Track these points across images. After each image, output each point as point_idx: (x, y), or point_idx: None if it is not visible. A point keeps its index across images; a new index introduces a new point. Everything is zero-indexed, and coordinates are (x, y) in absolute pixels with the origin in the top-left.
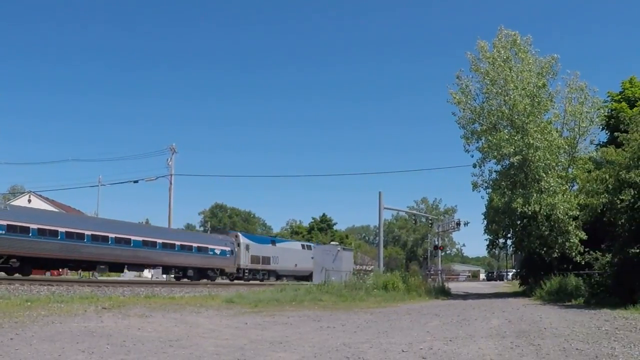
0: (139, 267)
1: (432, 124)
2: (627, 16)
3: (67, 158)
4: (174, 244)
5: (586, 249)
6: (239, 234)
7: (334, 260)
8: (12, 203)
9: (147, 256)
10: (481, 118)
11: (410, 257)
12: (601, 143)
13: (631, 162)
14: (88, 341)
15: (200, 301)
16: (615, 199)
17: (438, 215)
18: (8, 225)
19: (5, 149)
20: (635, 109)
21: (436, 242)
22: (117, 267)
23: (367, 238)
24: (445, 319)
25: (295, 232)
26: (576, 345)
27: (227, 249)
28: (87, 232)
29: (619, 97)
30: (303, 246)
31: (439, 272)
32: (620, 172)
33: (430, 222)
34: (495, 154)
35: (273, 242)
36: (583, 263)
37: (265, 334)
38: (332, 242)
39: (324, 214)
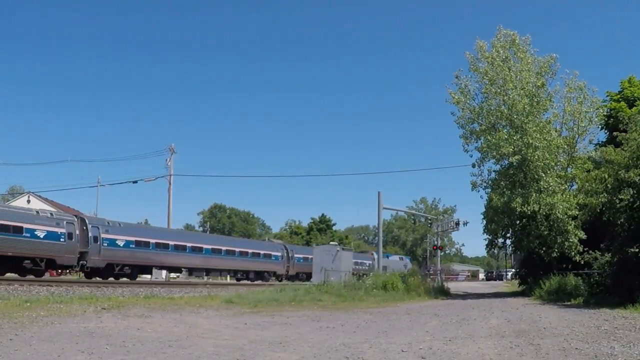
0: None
1: (431, 123)
2: (626, 15)
3: (65, 158)
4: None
5: (585, 249)
6: (373, 252)
7: (333, 260)
8: (12, 203)
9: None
10: (480, 118)
11: (410, 257)
12: (600, 143)
13: (630, 161)
14: (87, 341)
15: (200, 301)
16: (615, 198)
17: (437, 215)
18: (304, 257)
19: (2, 149)
20: (634, 108)
21: (435, 242)
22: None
23: (366, 238)
24: (445, 318)
25: (294, 233)
26: (575, 344)
27: (370, 262)
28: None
29: (618, 96)
30: (400, 258)
31: (438, 271)
32: (619, 172)
33: (429, 222)
34: (495, 153)
35: (387, 257)
36: (582, 263)
37: (264, 334)
38: (331, 243)
39: (323, 214)
